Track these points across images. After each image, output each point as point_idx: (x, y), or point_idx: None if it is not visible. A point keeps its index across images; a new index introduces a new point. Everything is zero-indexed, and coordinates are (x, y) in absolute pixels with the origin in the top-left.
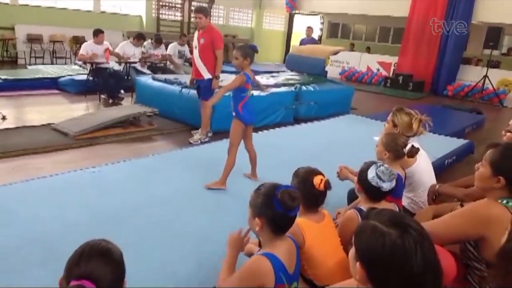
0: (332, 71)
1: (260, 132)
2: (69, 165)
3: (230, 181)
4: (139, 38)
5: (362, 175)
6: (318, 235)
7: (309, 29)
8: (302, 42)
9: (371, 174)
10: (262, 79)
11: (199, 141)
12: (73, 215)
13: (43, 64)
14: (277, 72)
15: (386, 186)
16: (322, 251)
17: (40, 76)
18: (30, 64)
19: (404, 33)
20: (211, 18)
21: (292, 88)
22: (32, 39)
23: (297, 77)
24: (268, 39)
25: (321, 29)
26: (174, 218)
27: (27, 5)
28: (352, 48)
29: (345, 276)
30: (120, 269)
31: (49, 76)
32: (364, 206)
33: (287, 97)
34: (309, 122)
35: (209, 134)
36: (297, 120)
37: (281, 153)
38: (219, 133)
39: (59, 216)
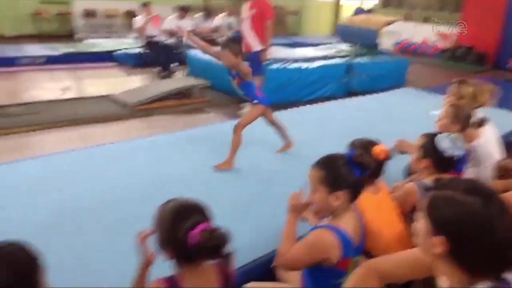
0: (386, 43)
1: (309, 106)
2: (127, 133)
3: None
4: (182, 11)
5: (428, 146)
6: (374, 206)
7: None
8: (357, 12)
9: (445, 143)
10: (311, 51)
11: None
12: (129, 181)
13: (98, 38)
14: (327, 43)
15: (459, 153)
16: (379, 222)
17: (97, 49)
18: (86, 38)
19: (464, 1)
20: None
21: (343, 60)
22: (88, 14)
23: (348, 49)
24: (317, 10)
25: None
26: (223, 187)
27: None
28: (407, 18)
29: (403, 248)
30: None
31: (105, 49)
32: (427, 179)
33: (338, 69)
34: (361, 96)
35: None
36: (349, 94)
37: (332, 126)
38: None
39: (117, 182)
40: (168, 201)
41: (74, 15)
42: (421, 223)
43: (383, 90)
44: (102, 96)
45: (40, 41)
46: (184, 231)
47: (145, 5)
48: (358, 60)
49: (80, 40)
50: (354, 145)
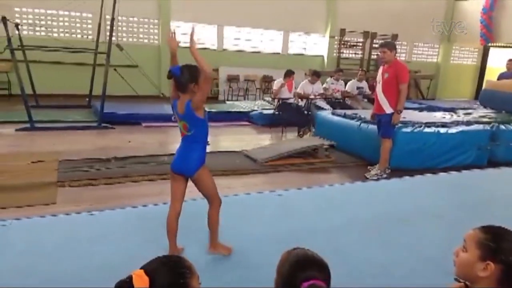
0: None
1: (448, 173)
2: (256, 187)
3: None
4: (314, 75)
5: None
6: None
7: (510, 62)
8: (501, 77)
9: None
10: (449, 116)
11: (376, 177)
12: (259, 230)
13: (237, 100)
14: (469, 108)
15: None
16: None
17: (235, 110)
18: (227, 100)
19: None
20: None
21: (488, 127)
22: (231, 79)
23: (493, 115)
24: (456, 74)
25: None
26: (347, 247)
27: (229, 50)
28: None
29: None
30: None
31: (242, 110)
32: None
33: (480, 136)
34: (508, 167)
35: (387, 171)
36: (492, 164)
37: (467, 197)
38: (398, 170)
39: (246, 230)
40: (295, 248)
41: (220, 80)
42: None
43: None
44: (235, 151)
45: None
46: (298, 281)
47: (289, 73)
48: (506, 127)
49: (222, 101)
50: None
